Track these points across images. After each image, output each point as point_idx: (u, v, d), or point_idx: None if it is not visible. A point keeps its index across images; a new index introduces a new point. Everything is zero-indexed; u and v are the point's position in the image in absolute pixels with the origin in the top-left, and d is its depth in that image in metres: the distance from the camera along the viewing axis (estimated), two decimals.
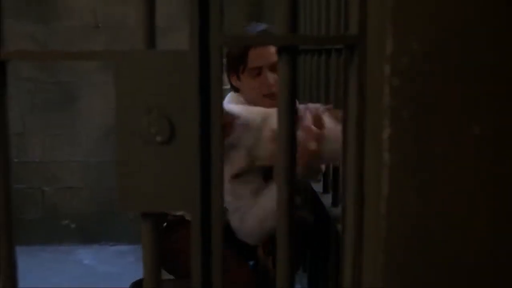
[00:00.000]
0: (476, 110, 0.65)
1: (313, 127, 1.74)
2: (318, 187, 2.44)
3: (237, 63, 1.94)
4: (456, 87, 0.65)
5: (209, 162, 0.69)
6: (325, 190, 2.39)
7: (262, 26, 2.00)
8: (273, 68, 1.92)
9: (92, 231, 3.71)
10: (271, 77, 1.92)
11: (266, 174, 1.89)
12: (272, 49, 1.94)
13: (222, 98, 0.69)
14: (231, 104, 1.95)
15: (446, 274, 0.67)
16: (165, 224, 2.13)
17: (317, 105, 1.97)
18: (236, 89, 2.02)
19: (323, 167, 2.14)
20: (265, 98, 1.93)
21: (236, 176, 1.87)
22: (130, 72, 0.68)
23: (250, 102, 1.95)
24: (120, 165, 0.69)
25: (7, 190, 0.73)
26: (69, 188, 3.69)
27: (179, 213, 2.01)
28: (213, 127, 0.68)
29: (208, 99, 0.68)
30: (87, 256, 3.54)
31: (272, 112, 1.81)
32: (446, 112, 0.65)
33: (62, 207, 3.70)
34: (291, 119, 0.70)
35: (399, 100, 0.65)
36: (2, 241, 0.73)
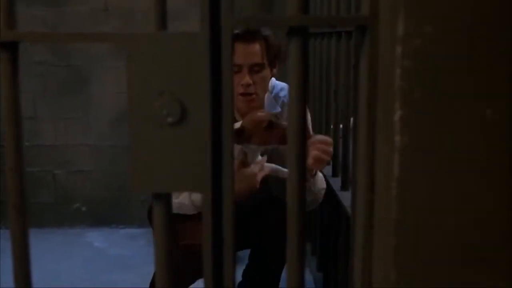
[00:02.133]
0: (488, 93, 0.65)
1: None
2: (326, 170, 2.44)
3: None
4: (468, 69, 0.64)
5: (220, 143, 0.69)
6: (334, 174, 2.39)
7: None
8: (252, 69, 1.96)
9: (102, 214, 3.74)
10: (247, 77, 1.95)
11: None
12: (255, 49, 1.96)
13: (232, 79, 0.69)
14: None
15: (458, 256, 0.67)
16: None
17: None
18: None
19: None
20: (238, 96, 1.96)
21: None
22: (142, 54, 0.68)
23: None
24: (132, 147, 0.69)
25: (20, 173, 0.73)
26: (80, 171, 3.72)
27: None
28: (224, 108, 0.69)
29: (219, 81, 0.68)
30: (98, 239, 3.56)
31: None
32: (458, 95, 0.65)
33: (73, 190, 3.73)
34: (302, 105, 0.70)
35: (410, 82, 0.64)
36: (16, 224, 0.73)
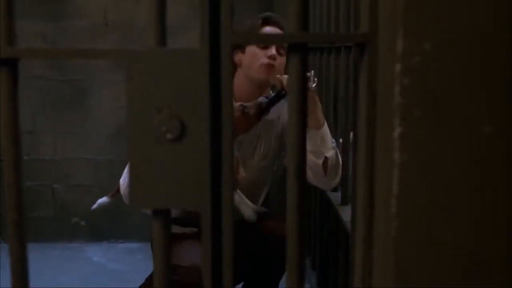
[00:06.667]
0: (488, 109, 0.65)
1: None
2: None
3: None
4: (467, 86, 0.64)
5: (219, 160, 0.69)
6: (334, 189, 2.38)
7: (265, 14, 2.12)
8: (278, 49, 2.05)
9: (101, 228, 3.72)
10: (274, 51, 2.04)
11: None
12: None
13: (232, 96, 0.69)
14: None
15: (458, 271, 0.66)
16: None
17: None
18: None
19: None
20: (261, 67, 2.04)
21: None
22: (141, 71, 0.68)
23: (245, 78, 2.08)
24: (131, 163, 0.69)
25: (18, 187, 0.73)
26: (79, 185, 3.71)
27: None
28: (224, 124, 0.69)
29: (219, 97, 0.68)
30: (97, 254, 3.55)
31: None
32: (457, 111, 0.65)
33: (72, 204, 3.72)
34: (302, 117, 0.70)
35: (410, 99, 0.64)
36: (14, 239, 0.73)
